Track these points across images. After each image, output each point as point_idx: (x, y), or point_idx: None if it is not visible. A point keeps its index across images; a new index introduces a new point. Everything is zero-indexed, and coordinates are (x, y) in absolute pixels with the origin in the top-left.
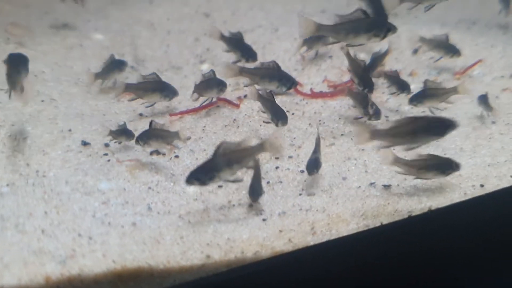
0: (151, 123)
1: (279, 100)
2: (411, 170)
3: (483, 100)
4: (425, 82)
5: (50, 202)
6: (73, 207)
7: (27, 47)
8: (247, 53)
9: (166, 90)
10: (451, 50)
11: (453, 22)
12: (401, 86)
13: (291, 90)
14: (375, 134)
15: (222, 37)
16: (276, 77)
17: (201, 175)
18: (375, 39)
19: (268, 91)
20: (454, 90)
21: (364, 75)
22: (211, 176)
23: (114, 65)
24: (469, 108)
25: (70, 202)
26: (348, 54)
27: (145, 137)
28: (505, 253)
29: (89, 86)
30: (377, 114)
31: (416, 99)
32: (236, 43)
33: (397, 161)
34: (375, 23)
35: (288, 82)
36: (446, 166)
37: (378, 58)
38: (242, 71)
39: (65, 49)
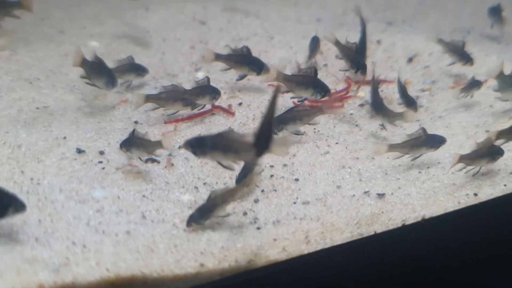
0: (133, 131)
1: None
2: (474, 162)
3: (475, 83)
4: None
5: (44, 210)
6: (67, 215)
7: (22, 54)
8: (257, 66)
9: (187, 100)
10: (465, 58)
11: (448, 31)
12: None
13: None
14: (502, 134)
15: (218, 57)
16: (312, 84)
17: (195, 144)
18: None
19: None
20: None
21: (356, 58)
22: (203, 150)
23: (132, 67)
24: (463, 117)
25: (64, 210)
26: (337, 42)
27: (128, 144)
28: (499, 262)
29: None
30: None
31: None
32: (242, 59)
33: (464, 158)
34: None
35: (323, 91)
36: (496, 152)
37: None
38: (279, 77)
39: (60, 56)
